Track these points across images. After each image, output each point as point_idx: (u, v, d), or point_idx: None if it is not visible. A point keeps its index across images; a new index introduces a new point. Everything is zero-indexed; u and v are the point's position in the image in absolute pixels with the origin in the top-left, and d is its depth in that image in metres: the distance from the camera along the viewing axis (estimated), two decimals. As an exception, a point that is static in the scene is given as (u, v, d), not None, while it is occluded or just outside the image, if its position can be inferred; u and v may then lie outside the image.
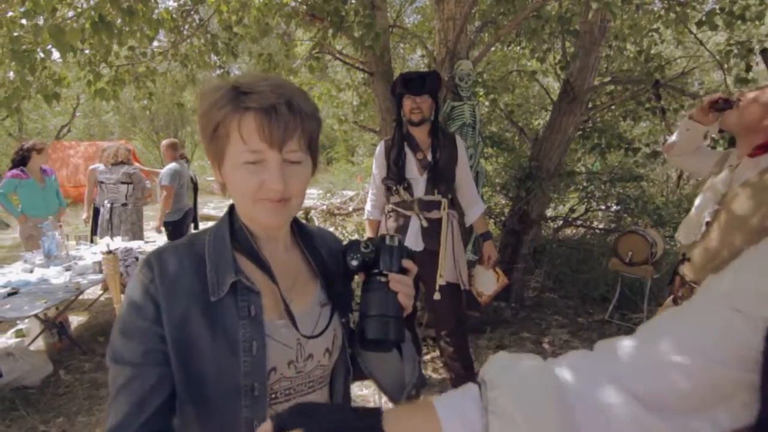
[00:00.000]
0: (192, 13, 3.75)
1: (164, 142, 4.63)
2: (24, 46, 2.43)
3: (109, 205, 4.18)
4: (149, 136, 19.54)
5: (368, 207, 2.40)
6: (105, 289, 4.12)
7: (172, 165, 4.36)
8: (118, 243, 3.76)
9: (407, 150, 2.20)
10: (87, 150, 11.42)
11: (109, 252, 1.88)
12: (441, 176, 2.17)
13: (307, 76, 6.09)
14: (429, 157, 2.17)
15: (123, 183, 4.21)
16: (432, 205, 2.18)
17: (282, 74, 4.85)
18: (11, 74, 2.87)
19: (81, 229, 5.38)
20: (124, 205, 4.19)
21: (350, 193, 9.36)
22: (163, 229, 4.42)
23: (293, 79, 5.67)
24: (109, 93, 3.36)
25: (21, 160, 4.01)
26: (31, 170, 4.04)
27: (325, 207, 7.49)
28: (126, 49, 3.42)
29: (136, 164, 4.50)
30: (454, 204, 2.26)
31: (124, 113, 17.77)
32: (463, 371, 2.25)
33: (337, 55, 4.09)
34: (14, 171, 4.05)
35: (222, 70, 4.42)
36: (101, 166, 4.26)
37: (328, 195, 9.31)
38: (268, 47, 6.03)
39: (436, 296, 2.15)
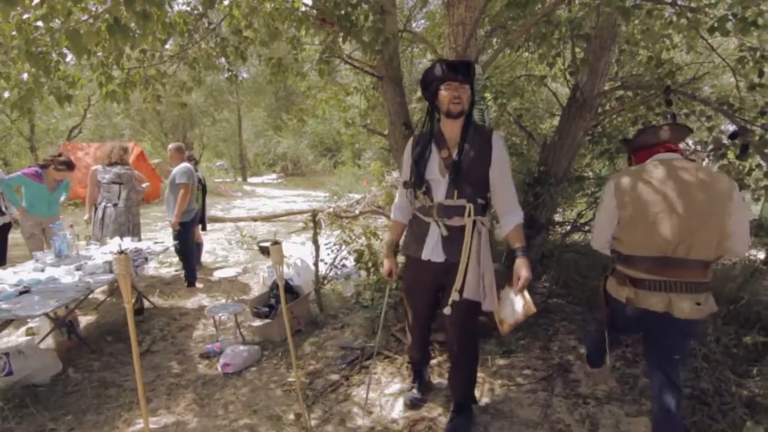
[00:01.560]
0: (202, 17, 3.79)
1: (171, 145, 4.66)
2: (39, 49, 2.47)
3: (104, 205, 4.25)
4: (158, 138, 19.72)
5: (393, 208, 2.26)
6: (111, 292, 4.15)
7: (185, 164, 4.39)
8: (128, 243, 3.80)
9: (433, 147, 1.97)
10: (97, 151, 11.55)
11: (121, 252, 1.89)
12: (465, 177, 1.91)
13: (315, 80, 6.13)
14: (455, 155, 1.93)
15: (114, 183, 4.26)
16: (454, 211, 1.93)
17: (290, 78, 4.88)
18: (25, 75, 2.91)
19: (90, 230, 5.43)
20: (115, 205, 4.24)
21: (356, 196, 9.37)
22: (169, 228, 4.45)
23: (301, 82, 5.71)
24: (120, 95, 3.40)
25: (44, 164, 4.14)
26: (47, 176, 4.12)
27: (331, 210, 7.51)
28: (137, 52, 3.46)
29: (128, 166, 4.48)
30: (485, 210, 1.99)
31: (134, 115, 17.95)
32: (461, 393, 2.18)
33: (347, 59, 4.11)
34: (33, 170, 4.14)
35: (230, 73, 4.46)
36: (100, 167, 4.33)
37: (335, 198, 9.33)
38: (277, 51, 6.08)
39: (446, 311, 1.96)
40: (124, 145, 4.56)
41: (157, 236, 5.78)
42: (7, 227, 4.20)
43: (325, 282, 3.85)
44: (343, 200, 9.00)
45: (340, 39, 3.22)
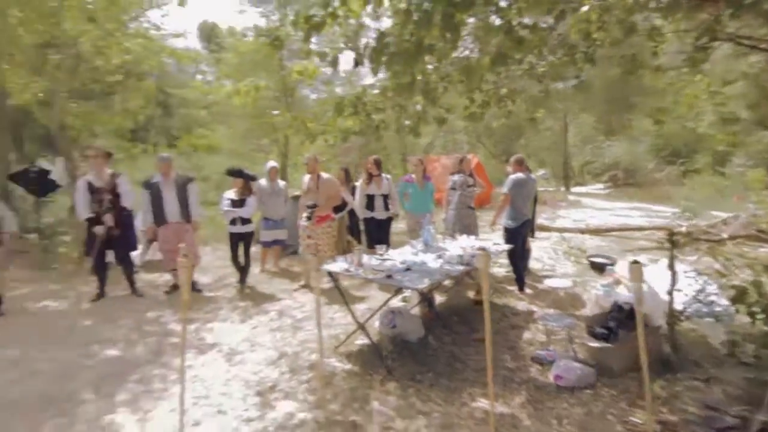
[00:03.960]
0: (553, 30, 3.86)
1: (513, 158, 5.09)
2: (431, 86, 3.20)
3: (450, 209, 5.13)
4: (489, 150, 21.97)
5: None
6: (458, 281, 4.92)
7: (515, 175, 4.73)
8: (471, 241, 4.38)
9: None
10: (446, 162, 14.05)
11: (482, 249, 2.19)
12: None
13: (680, 73, 5.12)
14: None
15: (452, 189, 5.13)
16: None
17: (645, 75, 4.30)
18: (418, 106, 3.85)
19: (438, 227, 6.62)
20: (452, 208, 5.07)
21: (721, 215, 7.25)
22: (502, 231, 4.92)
23: (658, 77, 4.92)
24: (478, 115, 3.95)
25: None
26: (416, 177, 5.39)
27: (685, 229, 6.13)
28: (493, 74, 3.91)
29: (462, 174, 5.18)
30: None
31: (471, 131, 20.67)
32: None
33: (735, 39, 3.23)
34: (406, 176, 5.58)
35: (578, 79, 4.37)
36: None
37: (688, 215, 7.55)
38: (630, 48, 5.48)
39: None
40: (460, 157, 5.44)
41: (491, 238, 6.40)
42: (388, 221, 5.70)
43: (683, 318, 3.17)
44: (700, 218, 7.17)
45: (728, 16, 2.55)
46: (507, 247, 4.63)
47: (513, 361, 3.20)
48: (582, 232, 8.07)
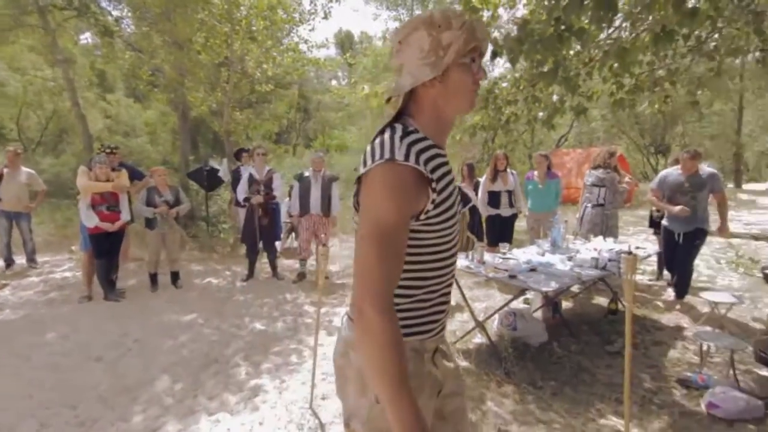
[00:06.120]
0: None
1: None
2: (571, 72, 2.96)
3: (585, 205, 4.70)
4: (634, 140, 19.30)
5: None
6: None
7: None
8: (611, 244, 3.95)
9: None
10: (579, 156, 12.81)
11: (629, 253, 1.98)
12: None
13: None
14: None
15: (595, 186, 4.61)
16: None
17: None
18: (554, 97, 3.59)
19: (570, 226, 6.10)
20: (594, 206, 4.58)
21: None
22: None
23: None
24: (626, 102, 3.51)
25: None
26: (538, 173, 5.07)
27: None
28: (649, 55, 3.43)
29: (608, 170, 4.62)
30: None
31: (609, 119, 18.40)
32: None
33: None
34: (529, 173, 5.29)
35: (763, 53, 3.60)
36: (588, 171, 4.76)
37: None
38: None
39: None
40: (611, 150, 4.80)
41: (629, 240, 5.68)
42: (513, 218, 5.46)
43: None
44: None
45: None
46: (654, 250, 4.07)
47: (653, 381, 2.82)
48: (756, 238, 6.61)
